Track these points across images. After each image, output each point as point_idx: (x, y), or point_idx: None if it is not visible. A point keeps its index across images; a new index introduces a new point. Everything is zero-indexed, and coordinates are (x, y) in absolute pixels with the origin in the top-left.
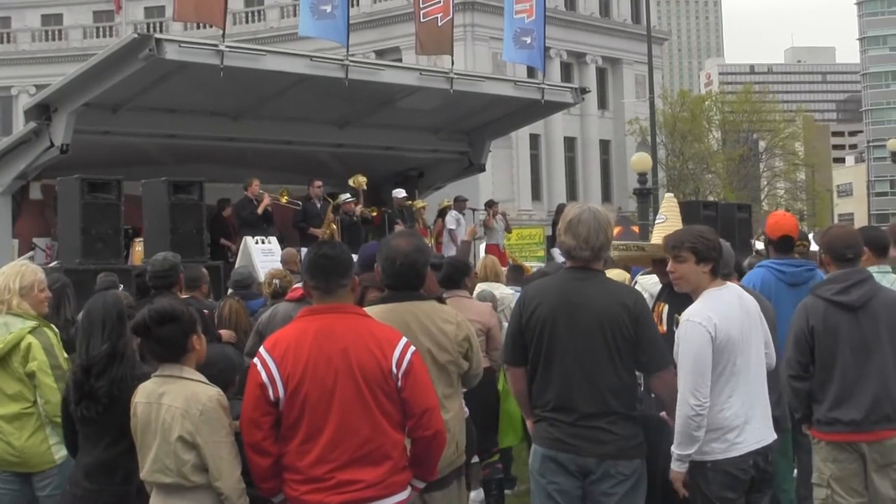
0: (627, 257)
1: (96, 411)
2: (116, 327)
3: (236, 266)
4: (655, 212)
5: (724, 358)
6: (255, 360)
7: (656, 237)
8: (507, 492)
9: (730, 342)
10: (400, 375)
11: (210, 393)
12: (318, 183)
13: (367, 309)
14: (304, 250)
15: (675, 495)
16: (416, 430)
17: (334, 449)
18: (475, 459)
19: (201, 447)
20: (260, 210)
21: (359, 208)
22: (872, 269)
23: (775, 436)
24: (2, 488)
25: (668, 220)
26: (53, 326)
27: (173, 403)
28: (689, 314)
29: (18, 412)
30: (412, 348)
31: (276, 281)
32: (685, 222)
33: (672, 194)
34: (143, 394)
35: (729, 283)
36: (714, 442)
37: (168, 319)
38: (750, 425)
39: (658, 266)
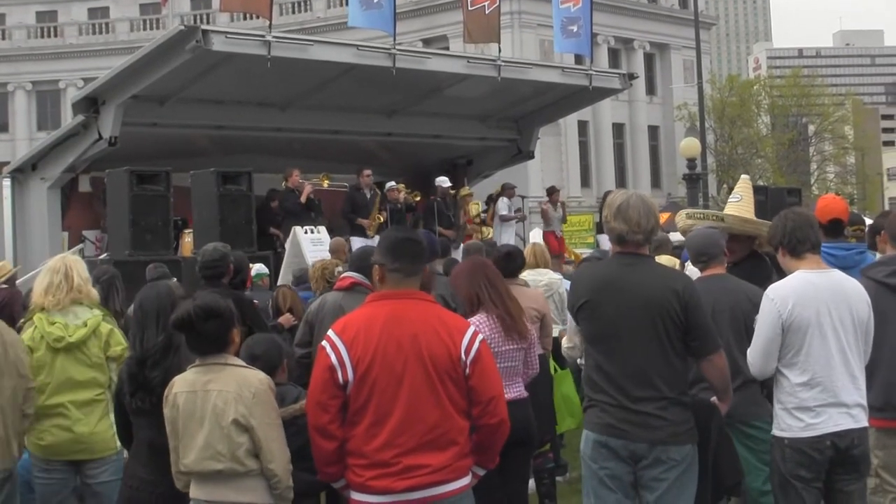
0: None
1: (151, 402)
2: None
3: (286, 256)
4: (705, 197)
5: (797, 338)
6: (325, 342)
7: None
8: (558, 479)
9: (802, 323)
10: (468, 363)
11: (260, 377)
12: (368, 172)
13: None
14: (353, 240)
15: (725, 480)
16: (483, 417)
17: (402, 434)
18: None
19: (255, 429)
20: (302, 199)
21: (402, 195)
22: None
23: (861, 423)
24: (46, 478)
25: (742, 199)
26: (112, 315)
27: (224, 388)
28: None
29: (90, 399)
30: (480, 336)
31: (340, 268)
32: None
33: (747, 176)
34: (184, 384)
35: (829, 268)
36: (790, 419)
37: (213, 315)
38: (830, 409)
39: (729, 243)
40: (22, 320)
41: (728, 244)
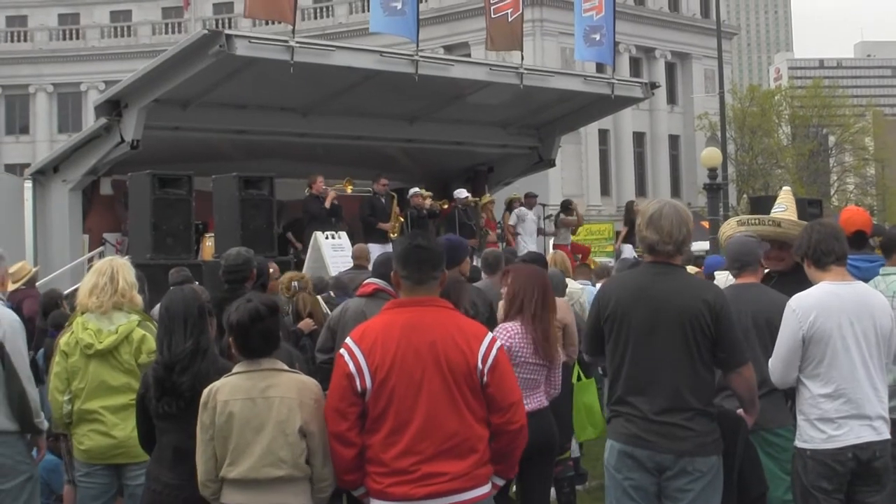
0: (758, 233)
1: (178, 406)
2: (199, 323)
3: (307, 261)
4: (726, 207)
5: (818, 349)
6: (342, 350)
7: None
8: (578, 487)
9: (824, 335)
10: (486, 371)
11: (315, 382)
12: (384, 181)
13: None
14: (371, 245)
15: (750, 492)
16: (504, 424)
17: (421, 441)
18: None
19: (315, 435)
20: (327, 204)
21: (428, 201)
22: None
23: (884, 436)
24: (89, 482)
25: (787, 209)
26: (153, 321)
27: (287, 395)
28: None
29: (125, 403)
30: (498, 343)
31: (295, 283)
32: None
33: (789, 188)
34: (236, 390)
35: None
36: (812, 430)
37: (275, 311)
38: (852, 421)
39: (774, 251)
40: (67, 323)
41: (777, 252)
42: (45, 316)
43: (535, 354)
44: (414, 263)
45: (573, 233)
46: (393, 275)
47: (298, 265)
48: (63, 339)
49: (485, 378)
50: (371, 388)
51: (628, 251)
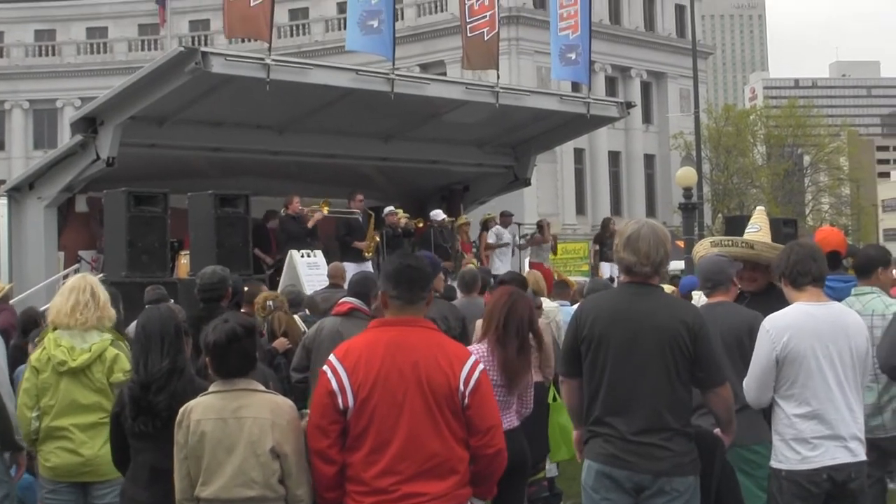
0: (731, 254)
1: (154, 426)
2: (175, 342)
3: (282, 279)
4: (701, 226)
5: (792, 370)
6: (326, 367)
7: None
8: None
9: (798, 355)
10: (467, 393)
11: (290, 403)
12: (360, 197)
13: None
14: (346, 265)
15: None
16: (481, 447)
17: (402, 461)
18: None
19: (288, 456)
20: (310, 225)
21: (402, 220)
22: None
23: (859, 457)
24: (54, 499)
25: (761, 229)
26: (126, 339)
27: (259, 415)
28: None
29: (95, 422)
30: (480, 366)
31: (270, 303)
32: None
33: (763, 208)
34: (208, 410)
35: (829, 301)
36: (788, 451)
37: (252, 331)
38: (827, 441)
39: (747, 272)
40: (37, 339)
41: (750, 273)
42: (25, 334)
43: (502, 377)
44: (405, 283)
45: (553, 251)
46: (381, 294)
47: (272, 278)
48: (34, 356)
49: (465, 400)
50: (353, 407)
51: (607, 269)
